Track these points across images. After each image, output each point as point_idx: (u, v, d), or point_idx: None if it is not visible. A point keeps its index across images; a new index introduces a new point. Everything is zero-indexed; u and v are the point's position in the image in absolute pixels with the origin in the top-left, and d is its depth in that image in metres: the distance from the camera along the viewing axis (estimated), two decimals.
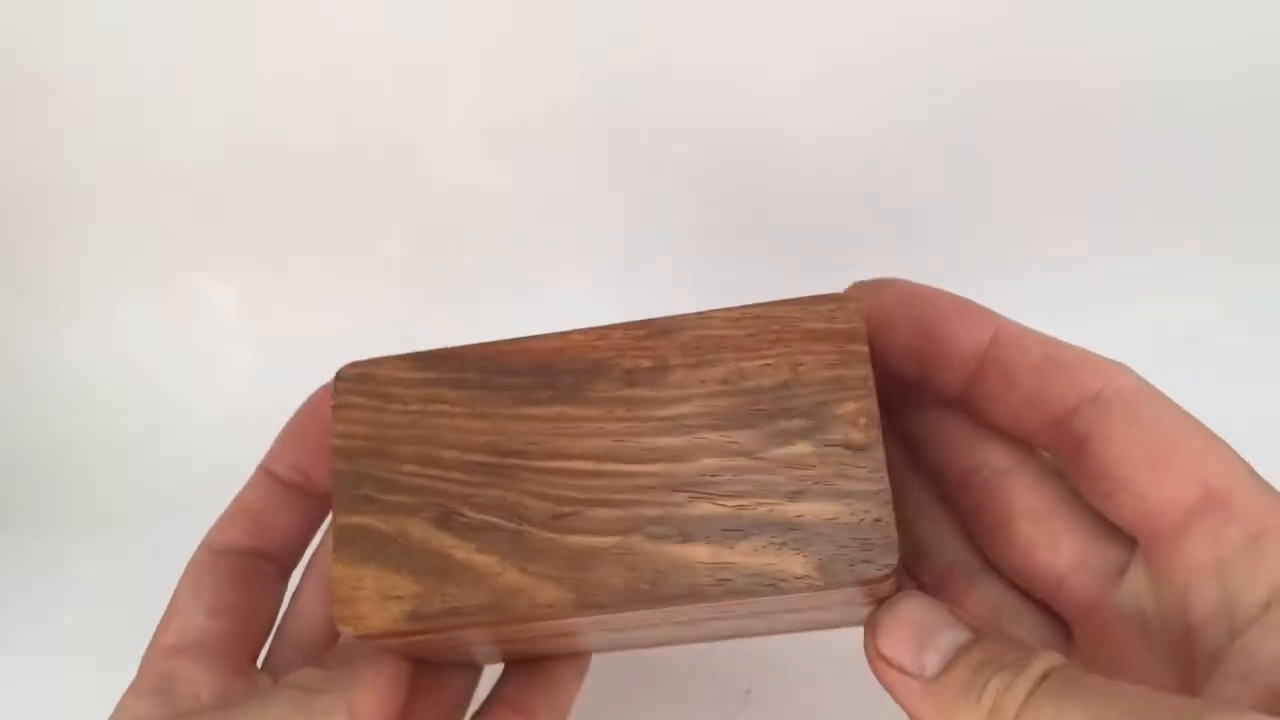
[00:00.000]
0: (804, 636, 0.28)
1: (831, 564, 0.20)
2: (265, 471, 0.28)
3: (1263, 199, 0.48)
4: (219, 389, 0.52)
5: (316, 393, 0.28)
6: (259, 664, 0.27)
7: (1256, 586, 0.19)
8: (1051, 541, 0.23)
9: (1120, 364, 0.22)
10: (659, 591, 0.20)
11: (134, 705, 0.24)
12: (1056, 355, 0.22)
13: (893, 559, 0.20)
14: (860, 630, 0.24)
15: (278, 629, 0.28)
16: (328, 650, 0.27)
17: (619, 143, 0.50)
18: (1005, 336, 0.23)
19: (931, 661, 0.20)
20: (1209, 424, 0.21)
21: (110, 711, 0.24)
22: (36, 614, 0.41)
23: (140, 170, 0.51)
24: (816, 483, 0.20)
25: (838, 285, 0.25)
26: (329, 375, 0.24)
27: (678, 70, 0.49)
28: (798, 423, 0.21)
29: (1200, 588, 0.20)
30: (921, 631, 0.20)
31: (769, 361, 0.21)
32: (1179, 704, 0.17)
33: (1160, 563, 0.21)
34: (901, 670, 0.20)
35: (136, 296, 0.53)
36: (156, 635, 0.26)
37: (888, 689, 0.21)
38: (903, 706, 0.21)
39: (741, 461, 0.21)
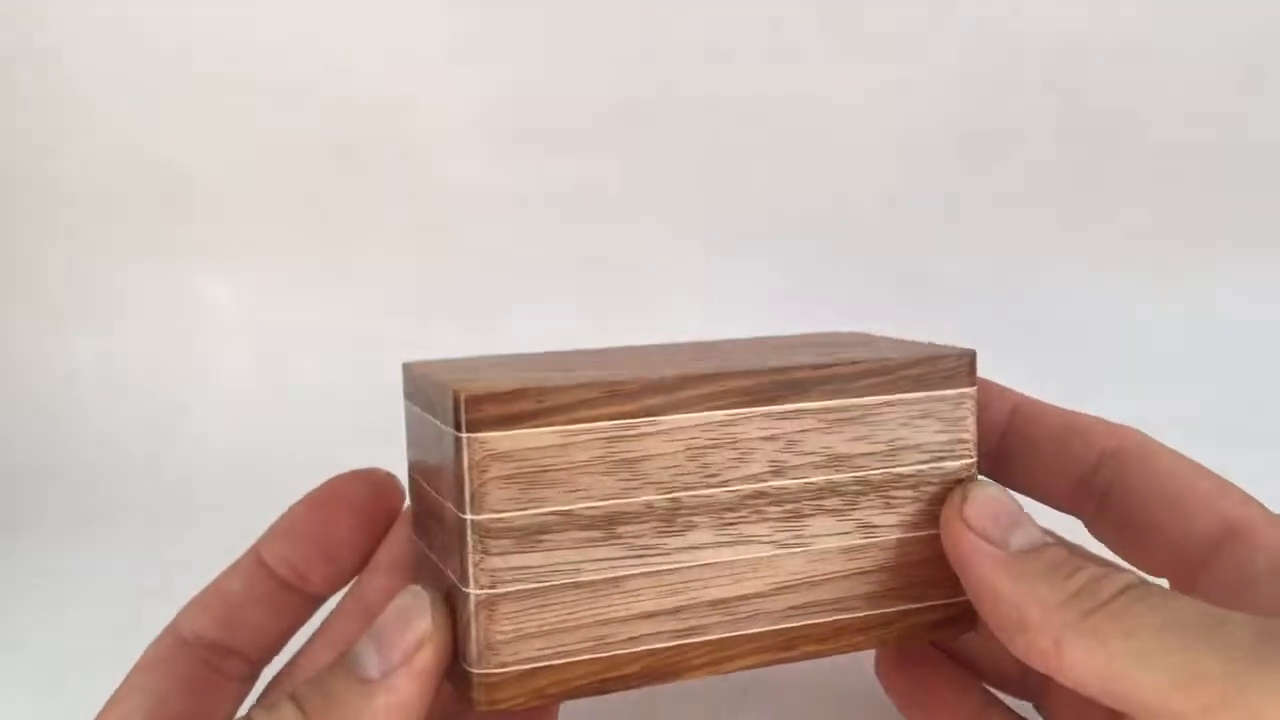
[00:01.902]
0: None
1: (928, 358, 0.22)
2: (256, 556, 0.24)
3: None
4: (219, 389, 0.52)
5: (325, 484, 0.24)
6: None
7: None
8: None
9: (1130, 426, 0.23)
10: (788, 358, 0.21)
11: None
12: (1073, 422, 0.23)
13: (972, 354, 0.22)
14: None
15: None
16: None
17: (620, 142, 0.50)
18: (1024, 409, 0.24)
19: (1016, 540, 0.20)
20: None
21: None
22: (36, 614, 0.40)
23: (140, 170, 0.51)
24: None
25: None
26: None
27: (679, 70, 0.49)
28: None
29: (1233, 608, 0.20)
30: (1009, 513, 0.21)
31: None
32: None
33: (1190, 594, 0.21)
34: (983, 536, 0.20)
35: (136, 296, 0.53)
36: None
37: (958, 554, 0.21)
38: (969, 572, 0.20)
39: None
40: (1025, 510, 0.21)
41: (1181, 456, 0.22)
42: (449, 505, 0.21)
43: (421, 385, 0.22)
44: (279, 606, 0.24)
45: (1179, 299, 0.52)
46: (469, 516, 0.20)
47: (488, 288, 0.52)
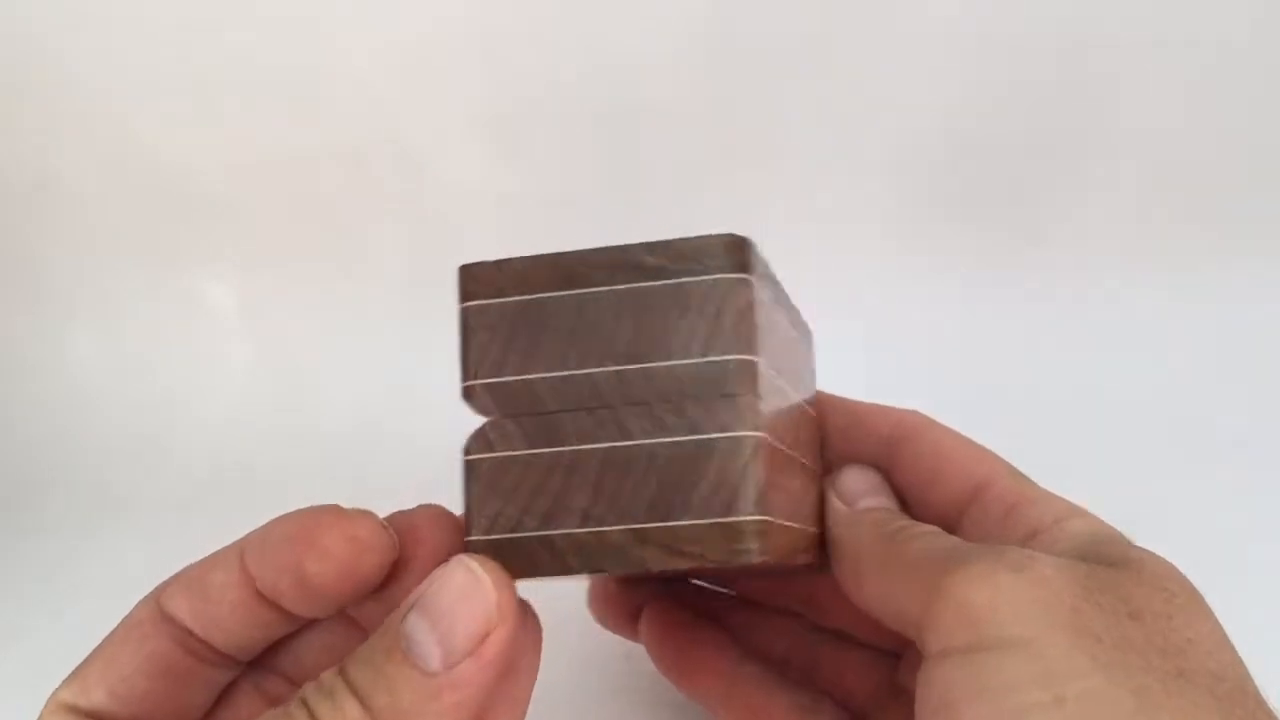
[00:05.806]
0: None
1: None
2: (240, 555, 0.22)
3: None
4: (219, 389, 0.52)
5: (304, 516, 0.22)
6: None
7: (1016, 540, 0.22)
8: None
9: (909, 410, 0.26)
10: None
11: None
12: (857, 412, 0.26)
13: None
14: None
15: None
16: None
17: (619, 141, 0.50)
18: (821, 401, 0.27)
19: (863, 503, 0.25)
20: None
21: None
22: (37, 613, 0.41)
23: (140, 170, 0.51)
24: None
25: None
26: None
27: (676, 69, 0.49)
28: None
29: None
30: (866, 484, 0.25)
31: None
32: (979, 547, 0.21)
33: None
34: (840, 499, 0.25)
35: (136, 296, 0.53)
36: (62, 685, 0.22)
37: (827, 510, 0.25)
38: (827, 520, 0.25)
39: None
40: (884, 486, 0.25)
41: (949, 431, 0.25)
42: (706, 354, 0.21)
43: (646, 253, 0.22)
44: (256, 617, 0.22)
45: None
46: (751, 358, 0.20)
47: None
